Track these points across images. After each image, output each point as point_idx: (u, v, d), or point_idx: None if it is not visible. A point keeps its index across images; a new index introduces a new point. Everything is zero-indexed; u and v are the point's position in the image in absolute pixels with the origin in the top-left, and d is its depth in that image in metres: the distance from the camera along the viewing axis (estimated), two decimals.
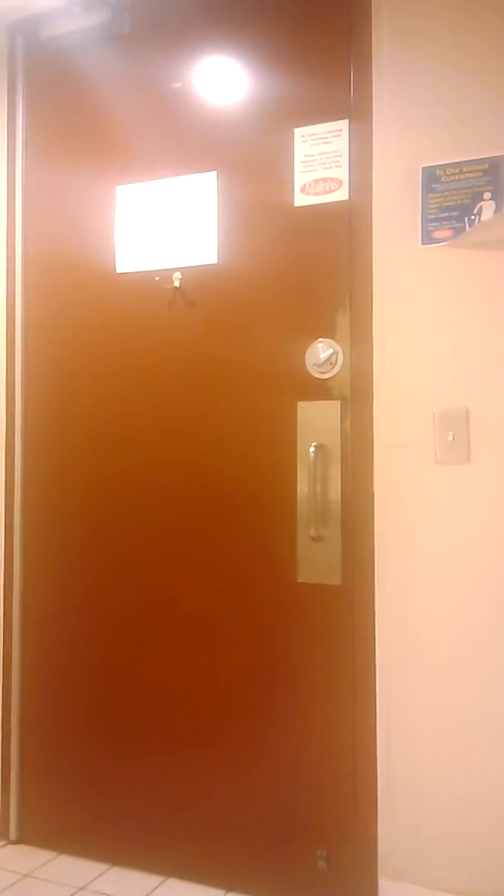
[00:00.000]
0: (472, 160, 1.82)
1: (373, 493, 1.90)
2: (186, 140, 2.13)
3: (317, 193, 1.98)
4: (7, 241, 2.34)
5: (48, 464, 2.28)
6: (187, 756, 2.10)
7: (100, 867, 2.15)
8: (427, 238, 1.86)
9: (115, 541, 2.19)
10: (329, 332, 1.96)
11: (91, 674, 2.21)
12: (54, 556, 2.27)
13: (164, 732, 2.13)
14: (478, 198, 1.81)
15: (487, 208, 1.81)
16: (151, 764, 2.14)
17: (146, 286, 2.16)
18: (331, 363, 1.95)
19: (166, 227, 2.15)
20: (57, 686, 2.26)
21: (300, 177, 1.99)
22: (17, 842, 2.28)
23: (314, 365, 1.97)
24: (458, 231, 1.83)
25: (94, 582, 2.21)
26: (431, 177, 1.85)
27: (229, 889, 2.03)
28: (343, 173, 1.95)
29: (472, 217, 1.82)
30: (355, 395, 1.93)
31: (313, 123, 1.98)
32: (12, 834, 2.29)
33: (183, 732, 2.10)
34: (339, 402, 1.94)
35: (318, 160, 1.97)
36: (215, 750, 2.07)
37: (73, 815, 2.22)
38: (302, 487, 1.97)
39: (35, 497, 2.30)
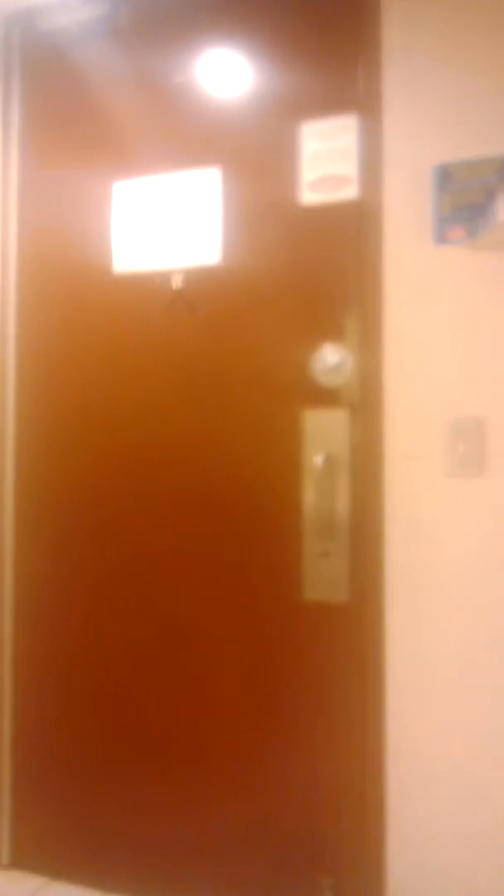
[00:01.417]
0: (486, 157, 1.77)
1: (383, 505, 1.84)
2: (188, 135, 2.07)
3: (325, 191, 1.92)
4: (0, 239, 2.28)
5: (42, 472, 2.22)
6: (186, 780, 2.04)
7: (93, 894, 2.10)
8: (440, 238, 1.80)
9: (113, 552, 2.13)
10: (337, 337, 1.90)
11: (87, 693, 2.15)
12: (50, 569, 2.21)
13: (163, 755, 2.07)
14: (492, 196, 1.76)
15: (503, 207, 1.74)
16: (149, 787, 2.08)
17: (144, 287, 2.10)
18: (339, 369, 1.90)
19: (166, 225, 2.09)
20: (51, 707, 2.20)
21: (307, 174, 1.94)
22: (10, 867, 2.23)
23: (321, 371, 1.91)
24: (473, 231, 1.77)
25: (90, 596, 2.15)
26: (444, 175, 1.80)
27: None
28: (352, 170, 1.89)
29: (487, 217, 1.76)
30: (365, 403, 1.87)
31: (321, 118, 1.93)
32: (4, 859, 2.23)
33: (182, 755, 2.05)
34: (347, 411, 1.88)
35: (326, 157, 1.92)
36: (216, 772, 2.01)
37: (68, 839, 2.17)
38: (308, 499, 1.91)
39: (30, 506, 2.24)
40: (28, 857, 2.20)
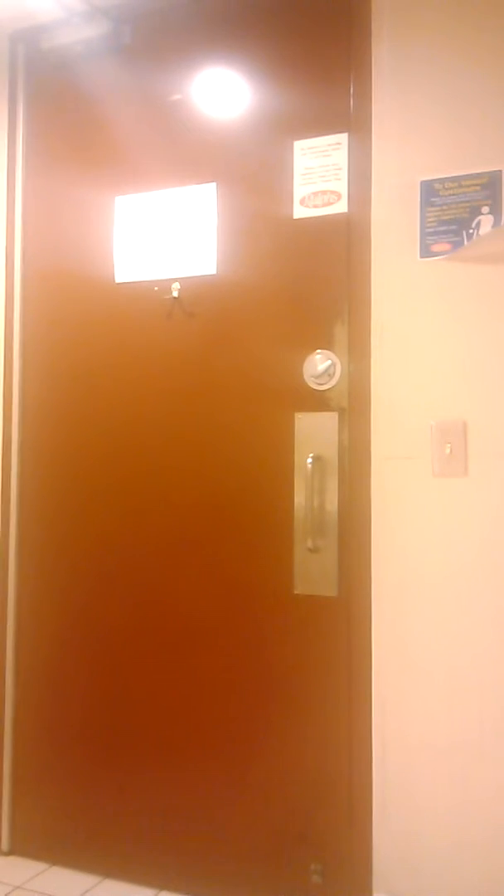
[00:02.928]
0: (470, 174, 1.83)
1: (370, 504, 1.90)
2: (186, 151, 2.14)
3: (316, 206, 1.98)
4: (6, 251, 2.34)
5: (45, 475, 2.28)
6: (181, 768, 2.09)
7: (92, 879, 2.14)
8: (425, 251, 1.87)
9: (111, 550, 2.19)
10: (327, 344, 1.97)
11: (85, 685, 2.20)
12: (49, 568, 2.26)
13: (158, 744, 2.12)
14: (476, 212, 1.82)
15: (486, 222, 1.82)
16: (145, 775, 2.13)
17: (145, 296, 2.17)
18: (328, 375, 1.96)
19: (165, 237, 2.15)
20: (50, 698, 2.24)
21: (299, 189, 2.00)
22: (9, 853, 2.26)
23: (312, 376, 1.97)
24: (457, 245, 1.83)
25: (88, 593, 2.21)
26: (430, 190, 1.86)
27: None
28: (342, 186, 1.96)
29: (471, 231, 1.82)
30: (353, 407, 1.93)
31: (313, 136, 1.99)
32: (4, 845, 2.27)
33: (177, 744, 2.09)
34: (336, 414, 1.95)
35: (317, 173, 1.98)
36: (209, 761, 2.06)
37: (66, 826, 2.21)
38: (299, 498, 1.97)
39: (32, 507, 2.29)
40: (27, 844, 2.25)
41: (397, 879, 1.85)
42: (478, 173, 1.82)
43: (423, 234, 1.87)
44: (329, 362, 1.95)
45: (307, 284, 1.99)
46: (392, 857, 1.85)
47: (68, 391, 2.26)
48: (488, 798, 1.77)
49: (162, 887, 2.09)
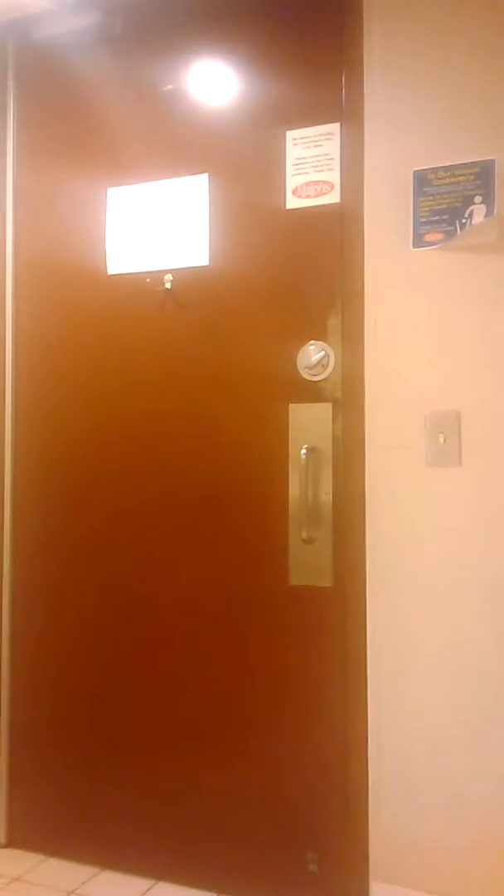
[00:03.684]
0: (463, 164, 1.83)
1: (364, 495, 1.90)
2: (178, 142, 2.13)
3: (308, 196, 1.98)
4: None
5: (37, 466, 2.27)
6: (177, 759, 2.09)
7: (90, 871, 2.14)
8: (418, 241, 1.87)
9: (105, 543, 2.19)
10: (320, 335, 1.96)
11: (81, 676, 2.21)
12: (44, 558, 2.26)
13: (155, 735, 2.12)
14: (469, 201, 1.82)
15: (478, 212, 1.81)
16: (141, 767, 2.13)
17: (137, 287, 2.16)
18: (322, 365, 1.96)
19: (158, 228, 2.14)
20: (46, 689, 2.25)
21: (292, 179, 1.99)
22: (7, 845, 2.27)
23: (306, 367, 1.97)
24: (450, 234, 1.83)
25: (83, 583, 2.21)
26: (423, 180, 1.86)
27: (220, 892, 2.03)
28: (335, 176, 1.95)
29: (464, 221, 1.82)
30: (347, 398, 1.93)
31: (305, 126, 1.98)
32: (1, 837, 2.27)
33: (173, 734, 2.10)
34: (330, 405, 1.95)
35: (309, 163, 1.98)
36: (205, 752, 2.07)
37: (63, 818, 2.21)
38: (293, 489, 1.97)
39: (25, 499, 2.29)
40: (25, 836, 2.25)
41: (393, 867, 1.86)
42: (470, 162, 1.82)
43: (416, 224, 1.87)
44: (323, 353, 1.95)
45: (300, 275, 1.98)
46: (388, 847, 1.86)
47: (60, 384, 2.25)
48: (483, 786, 1.78)
49: (159, 878, 2.09)
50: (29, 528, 2.28)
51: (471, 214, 1.82)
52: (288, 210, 2.00)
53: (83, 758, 2.20)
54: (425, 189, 1.86)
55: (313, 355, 1.96)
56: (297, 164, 1.99)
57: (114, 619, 2.17)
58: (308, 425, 1.96)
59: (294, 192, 1.99)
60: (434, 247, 1.85)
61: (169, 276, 2.12)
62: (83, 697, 2.20)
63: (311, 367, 1.97)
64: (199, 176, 2.09)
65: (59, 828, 2.21)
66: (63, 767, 2.22)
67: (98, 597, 2.19)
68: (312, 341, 1.97)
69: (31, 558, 2.28)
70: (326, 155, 1.96)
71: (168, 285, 2.12)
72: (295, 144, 1.99)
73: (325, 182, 1.96)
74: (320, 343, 1.96)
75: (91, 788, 2.19)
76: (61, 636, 2.23)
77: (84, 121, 2.24)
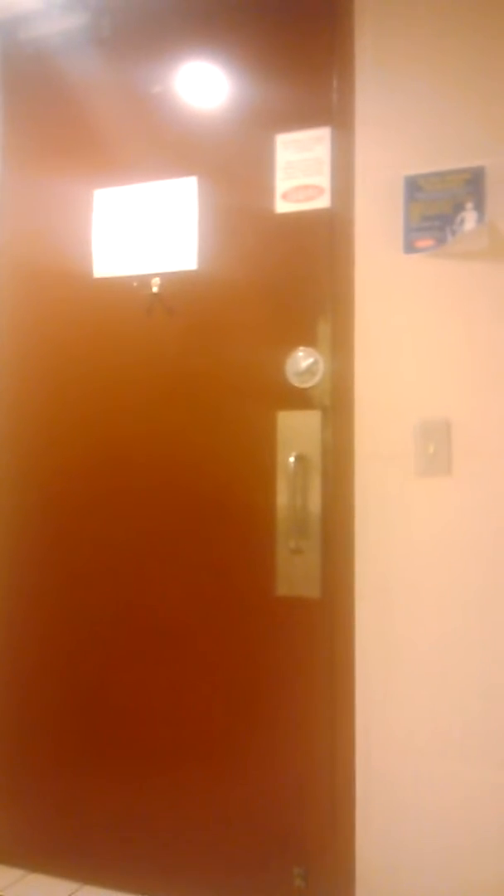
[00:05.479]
0: (454, 169, 1.82)
1: (353, 504, 1.88)
2: (166, 144, 2.11)
3: (298, 200, 1.96)
4: None
5: (19, 474, 2.24)
6: (161, 772, 2.06)
7: (70, 886, 2.11)
8: (409, 247, 1.85)
9: (89, 551, 2.15)
10: (310, 341, 1.94)
11: (61, 687, 2.17)
12: (24, 567, 2.22)
13: (137, 748, 2.09)
14: (460, 207, 1.81)
15: (470, 218, 1.80)
16: (123, 780, 2.10)
17: (124, 291, 2.13)
18: (311, 372, 1.93)
19: (145, 231, 2.12)
20: (25, 699, 2.21)
21: (281, 183, 1.98)
22: None
23: (295, 374, 1.95)
24: (441, 241, 1.82)
25: (65, 593, 2.17)
26: (414, 186, 1.85)
27: None
28: (325, 181, 1.94)
29: (455, 227, 1.81)
30: (336, 405, 1.91)
31: (295, 130, 1.97)
32: None
33: (156, 748, 2.07)
34: (319, 412, 1.92)
35: (299, 167, 1.96)
36: (190, 766, 2.04)
37: (43, 832, 2.18)
38: (282, 498, 1.95)
39: (6, 507, 2.25)
40: (4, 851, 2.21)
41: (380, 882, 1.83)
42: (462, 168, 1.81)
43: (407, 230, 1.85)
44: (312, 359, 1.93)
45: (289, 280, 1.96)
46: (375, 860, 1.84)
47: (45, 388, 2.22)
48: (471, 799, 1.76)
49: (142, 893, 2.06)
50: (7, 534, 2.24)
51: (462, 221, 1.81)
52: (277, 214, 1.98)
53: (64, 772, 2.16)
54: (416, 195, 1.84)
55: (302, 362, 1.94)
56: (287, 168, 1.97)
57: (96, 633, 2.14)
58: (297, 433, 1.94)
59: (284, 196, 1.97)
60: (425, 253, 1.83)
61: (156, 280, 2.10)
62: (64, 712, 2.17)
63: (299, 374, 1.94)
64: (187, 178, 2.07)
65: (41, 843, 2.18)
66: (43, 781, 2.19)
67: (79, 609, 2.15)
68: (301, 347, 1.95)
69: (10, 569, 2.24)
70: (317, 159, 1.94)
71: (155, 289, 2.10)
72: (285, 148, 1.97)
73: (315, 186, 1.95)
74: (309, 349, 1.94)
75: (72, 803, 2.15)
76: (42, 652, 2.19)
77: (72, 122, 2.22)
